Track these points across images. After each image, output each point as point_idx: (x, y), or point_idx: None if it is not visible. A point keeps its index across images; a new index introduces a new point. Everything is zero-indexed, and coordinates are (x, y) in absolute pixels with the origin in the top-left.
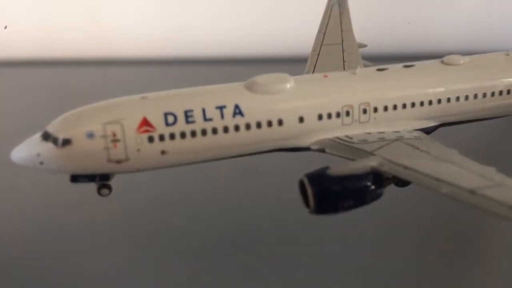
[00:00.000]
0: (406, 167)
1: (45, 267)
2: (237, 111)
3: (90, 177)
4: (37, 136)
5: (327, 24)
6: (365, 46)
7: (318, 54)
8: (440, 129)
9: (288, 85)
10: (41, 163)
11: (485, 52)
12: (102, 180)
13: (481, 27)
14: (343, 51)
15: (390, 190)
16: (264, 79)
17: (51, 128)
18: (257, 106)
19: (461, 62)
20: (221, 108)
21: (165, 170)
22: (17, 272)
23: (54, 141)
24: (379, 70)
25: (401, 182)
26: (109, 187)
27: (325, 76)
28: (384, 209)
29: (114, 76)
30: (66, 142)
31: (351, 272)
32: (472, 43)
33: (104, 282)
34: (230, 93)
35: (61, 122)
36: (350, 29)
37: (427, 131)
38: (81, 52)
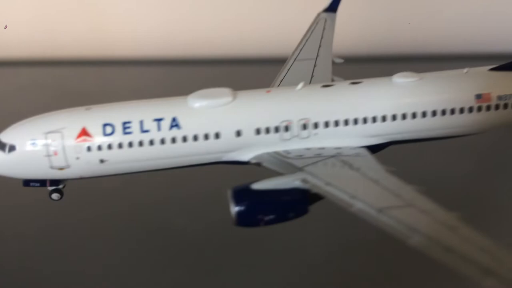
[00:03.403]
0: (327, 183)
1: (45, 267)
2: (174, 123)
3: (40, 182)
4: None
5: (308, 38)
6: (341, 61)
7: (288, 70)
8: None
9: (227, 99)
10: None
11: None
12: (52, 185)
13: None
14: (314, 66)
15: None
16: (205, 93)
17: (2, 136)
18: (194, 119)
19: (412, 79)
20: (158, 120)
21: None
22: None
23: (2, 147)
24: (324, 86)
25: None
26: (60, 192)
27: (268, 91)
28: None
29: (114, 76)
30: (12, 148)
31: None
32: (471, 44)
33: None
34: (171, 106)
35: (10, 130)
36: (329, 45)
37: (374, 148)
38: (81, 52)
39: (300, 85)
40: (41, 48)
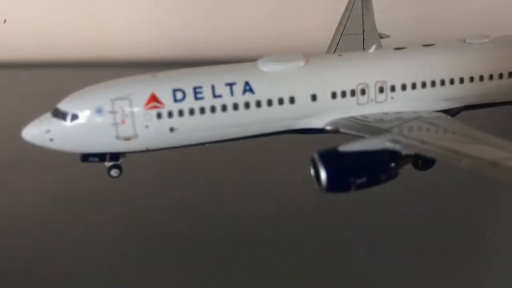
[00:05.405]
0: (423, 142)
1: (43, 267)
2: (247, 88)
3: (100, 156)
4: (48, 114)
5: (349, 16)
6: (387, 36)
7: (338, 44)
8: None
9: (300, 63)
10: (51, 140)
11: None
12: (112, 160)
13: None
14: (363, 40)
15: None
16: (276, 57)
17: (61, 105)
18: (268, 83)
19: (485, 40)
20: (231, 85)
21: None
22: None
23: (63, 116)
24: (396, 49)
25: (421, 162)
26: (119, 167)
27: (340, 55)
28: (384, 210)
29: (113, 78)
30: (75, 117)
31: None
32: None
33: (104, 283)
34: (241, 70)
35: (71, 98)
36: (372, 20)
37: (450, 113)
38: (79, 54)
39: (373, 48)
40: (39, 50)
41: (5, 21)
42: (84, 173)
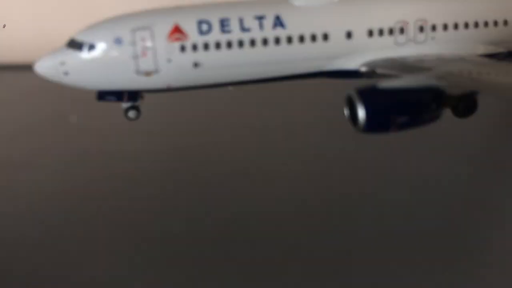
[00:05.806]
0: (472, 79)
1: (39, 268)
2: (278, 22)
3: (117, 95)
4: (63, 45)
5: None
6: None
7: None
8: None
9: None
10: (66, 73)
11: None
12: (130, 100)
13: None
14: None
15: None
16: None
17: (77, 35)
18: (300, 18)
19: None
20: (260, 18)
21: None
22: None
23: (80, 47)
24: None
25: (464, 106)
26: (137, 109)
27: None
28: (383, 211)
29: None
30: (92, 48)
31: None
32: None
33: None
34: (271, 3)
35: (88, 28)
36: None
37: (495, 58)
38: None
39: None
40: (39, 52)
41: (4, 26)
42: (83, 173)
